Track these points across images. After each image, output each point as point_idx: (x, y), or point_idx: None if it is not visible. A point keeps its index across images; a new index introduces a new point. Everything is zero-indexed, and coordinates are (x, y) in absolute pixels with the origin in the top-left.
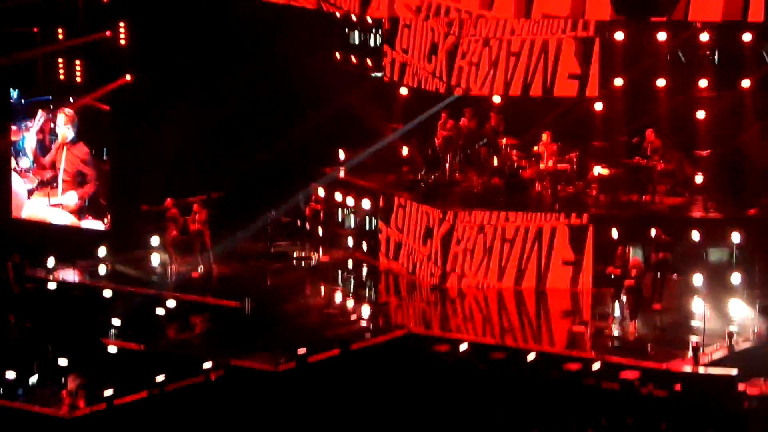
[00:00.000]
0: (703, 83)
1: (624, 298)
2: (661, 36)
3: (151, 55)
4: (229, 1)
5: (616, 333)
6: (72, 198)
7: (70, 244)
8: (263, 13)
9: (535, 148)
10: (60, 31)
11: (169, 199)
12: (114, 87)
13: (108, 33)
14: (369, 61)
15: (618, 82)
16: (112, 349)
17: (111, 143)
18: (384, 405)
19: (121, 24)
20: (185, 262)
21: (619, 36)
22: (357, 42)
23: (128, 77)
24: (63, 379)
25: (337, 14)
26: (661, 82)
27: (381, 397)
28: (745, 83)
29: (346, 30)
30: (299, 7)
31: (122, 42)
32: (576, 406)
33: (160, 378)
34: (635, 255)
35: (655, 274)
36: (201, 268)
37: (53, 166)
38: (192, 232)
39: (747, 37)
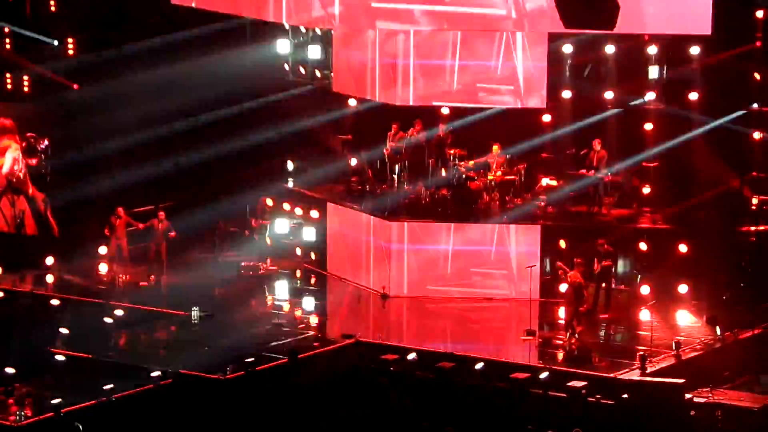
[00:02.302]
0: (650, 96)
1: (563, 309)
2: (609, 48)
3: (98, 65)
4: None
5: (562, 342)
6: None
7: (17, 253)
8: (208, 22)
9: (484, 159)
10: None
11: (120, 208)
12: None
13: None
14: (318, 72)
15: (566, 94)
16: (60, 357)
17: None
18: (331, 414)
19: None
20: (134, 271)
21: (567, 48)
22: (309, 54)
23: (75, 86)
24: (11, 388)
25: (286, 24)
26: (609, 94)
27: (328, 406)
28: (693, 96)
29: (296, 41)
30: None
31: (70, 53)
32: (524, 415)
33: (108, 386)
34: (574, 267)
35: (598, 284)
36: (152, 277)
37: None
38: (154, 240)
39: (695, 50)
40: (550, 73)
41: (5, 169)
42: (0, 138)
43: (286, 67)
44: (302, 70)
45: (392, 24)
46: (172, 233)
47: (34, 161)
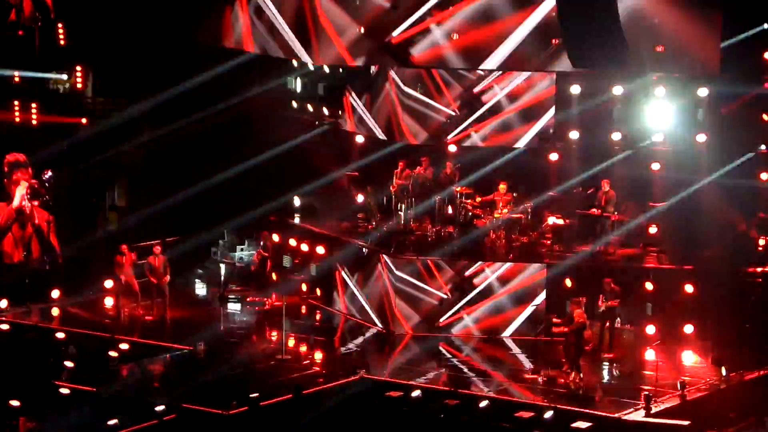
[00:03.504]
0: (658, 137)
1: (566, 350)
2: (617, 90)
3: (107, 100)
4: (188, 48)
5: (567, 381)
6: None
7: (23, 285)
8: (220, 58)
9: (490, 198)
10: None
11: (123, 246)
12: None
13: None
14: (325, 110)
15: (573, 135)
16: (65, 391)
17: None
18: None
19: (78, 67)
20: (139, 305)
21: (575, 89)
22: (316, 91)
23: (84, 120)
24: (15, 422)
25: (294, 62)
26: (616, 136)
27: None
28: (700, 138)
29: (303, 78)
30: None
31: (79, 86)
32: None
33: (112, 421)
34: (579, 307)
35: (603, 323)
36: (154, 312)
37: None
38: (153, 276)
39: (702, 92)
40: (558, 114)
41: (15, 203)
42: (14, 172)
43: (294, 104)
44: (310, 108)
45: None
46: (166, 277)
47: (36, 203)
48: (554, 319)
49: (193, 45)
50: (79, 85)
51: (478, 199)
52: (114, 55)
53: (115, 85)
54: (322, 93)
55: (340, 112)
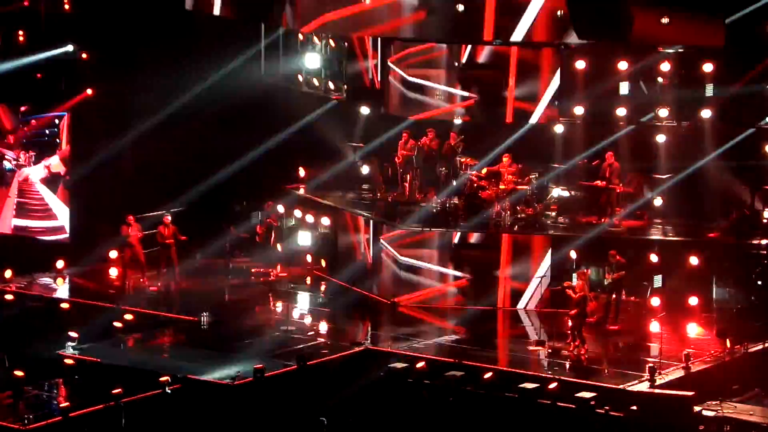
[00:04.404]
0: (663, 113)
1: (570, 322)
2: (622, 65)
3: (112, 70)
4: (192, 20)
5: (572, 353)
6: None
7: (29, 256)
8: (226, 32)
9: (495, 169)
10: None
11: (129, 216)
12: (76, 101)
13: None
14: (331, 84)
15: (578, 110)
16: (69, 361)
17: (72, 158)
18: (340, 421)
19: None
20: (145, 276)
21: (580, 64)
22: (319, 65)
23: (89, 91)
24: (20, 391)
25: (300, 36)
26: (621, 111)
27: (337, 414)
28: (705, 113)
29: (308, 52)
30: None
31: (84, 56)
32: (532, 425)
33: (116, 391)
34: (582, 278)
35: (609, 295)
36: (160, 283)
37: None
38: (161, 246)
39: (708, 67)
40: (563, 89)
41: None
42: None
43: (300, 78)
44: (315, 82)
45: None
46: (183, 237)
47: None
48: (566, 285)
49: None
50: (84, 55)
51: (484, 171)
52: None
53: (118, 55)
54: (325, 66)
55: (345, 87)
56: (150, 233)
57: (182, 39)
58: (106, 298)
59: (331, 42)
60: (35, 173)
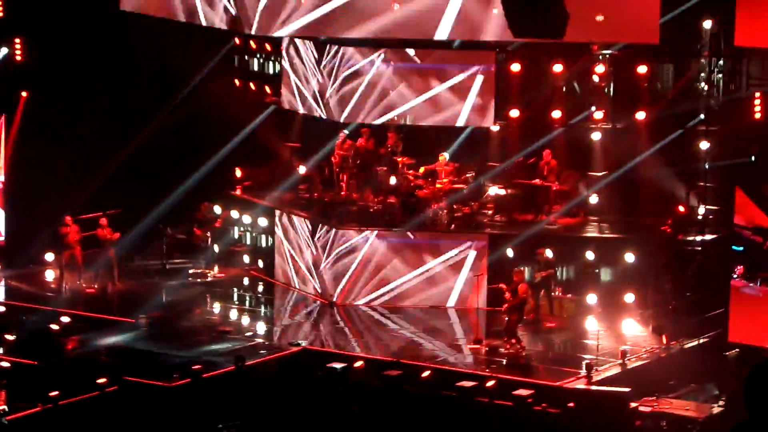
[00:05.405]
0: (598, 115)
1: (505, 318)
2: (557, 67)
3: (48, 72)
4: (127, 20)
5: (509, 351)
6: None
7: None
8: (166, 34)
9: (432, 167)
10: None
11: (68, 217)
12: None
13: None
14: (267, 88)
15: (514, 113)
16: (5, 364)
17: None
18: (277, 422)
19: (17, 40)
20: (82, 278)
21: (515, 67)
22: (256, 69)
23: (24, 93)
24: None
25: (236, 41)
26: (556, 114)
27: (274, 414)
28: (640, 115)
29: (246, 57)
30: (201, 30)
31: (18, 58)
32: (470, 423)
33: (54, 393)
34: (521, 278)
35: (538, 293)
36: (97, 285)
37: None
38: (101, 246)
39: (642, 69)
40: (498, 92)
41: None
42: None
43: (236, 82)
44: (252, 86)
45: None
46: (116, 234)
47: None
48: (503, 286)
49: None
50: (18, 58)
51: (421, 170)
52: (53, 26)
53: (56, 57)
54: (258, 69)
55: (281, 90)
56: (88, 234)
57: (119, 39)
58: (43, 300)
59: (266, 45)
60: None
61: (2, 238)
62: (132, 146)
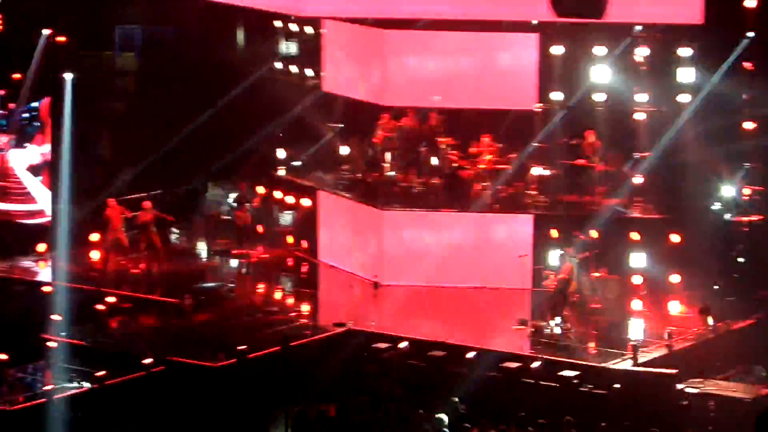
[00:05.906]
0: (642, 98)
1: (552, 298)
2: (600, 50)
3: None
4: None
5: (555, 332)
6: None
7: (9, 239)
8: (207, 17)
9: (475, 149)
10: None
11: (110, 200)
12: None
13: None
14: (307, 71)
15: (557, 95)
16: (52, 344)
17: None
18: (323, 402)
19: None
20: (128, 259)
21: (558, 49)
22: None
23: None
24: (3, 374)
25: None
26: (600, 97)
27: (319, 394)
28: (684, 98)
29: (286, 40)
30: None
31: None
32: (515, 404)
33: (100, 373)
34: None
35: (578, 275)
36: (143, 265)
37: None
38: (140, 229)
39: (686, 51)
40: (541, 75)
41: None
42: None
43: (277, 65)
44: (291, 68)
45: None
46: (169, 217)
47: None
48: (546, 273)
49: None
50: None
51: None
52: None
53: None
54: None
55: (322, 73)
56: (131, 215)
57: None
58: (88, 280)
59: (305, 28)
60: (22, 158)
61: (48, 219)
62: (178, 130)
